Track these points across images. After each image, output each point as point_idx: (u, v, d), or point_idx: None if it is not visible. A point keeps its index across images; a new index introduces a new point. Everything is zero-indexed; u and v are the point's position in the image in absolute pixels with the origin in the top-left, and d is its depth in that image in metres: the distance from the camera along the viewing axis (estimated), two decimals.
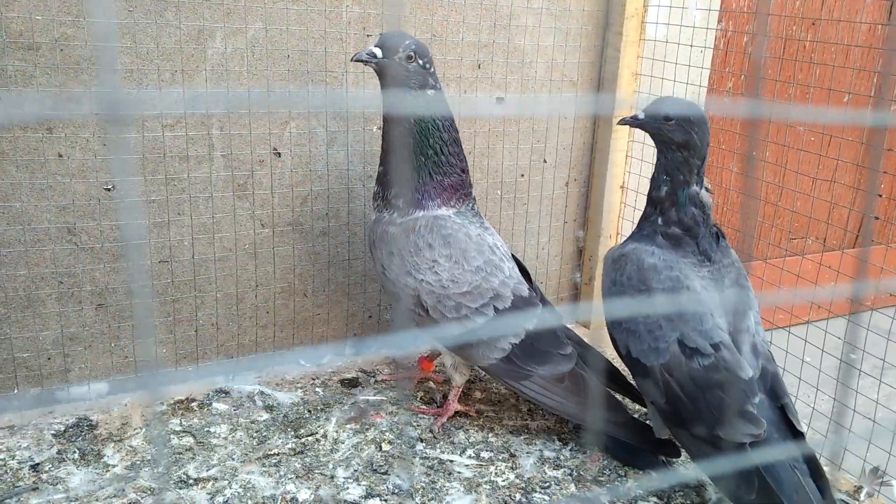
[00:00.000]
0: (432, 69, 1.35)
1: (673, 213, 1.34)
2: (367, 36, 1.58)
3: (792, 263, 1.90)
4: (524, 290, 1.43)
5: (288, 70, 1.51)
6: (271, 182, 1.55)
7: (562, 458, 1.41)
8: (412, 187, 1.37)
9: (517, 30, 1.77)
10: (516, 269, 1.47)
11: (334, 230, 1.65)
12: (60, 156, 1.36)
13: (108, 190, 1.40)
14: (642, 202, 1.94)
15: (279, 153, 1.55)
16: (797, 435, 1.21)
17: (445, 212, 1.40)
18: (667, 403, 1.25)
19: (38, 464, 1.25)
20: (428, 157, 1.36)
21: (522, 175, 1.90)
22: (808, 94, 2.34)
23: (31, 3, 1.28)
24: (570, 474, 1.36)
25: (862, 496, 1.38)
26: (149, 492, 1.20)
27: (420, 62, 1.32)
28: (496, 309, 1.38)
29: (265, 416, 1.45)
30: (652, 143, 1.89)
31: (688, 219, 1.33)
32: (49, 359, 1.43)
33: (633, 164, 1.96)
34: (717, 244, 1.35)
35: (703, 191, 1.35)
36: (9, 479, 1.22)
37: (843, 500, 1.36)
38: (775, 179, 2.39)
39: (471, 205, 1.45)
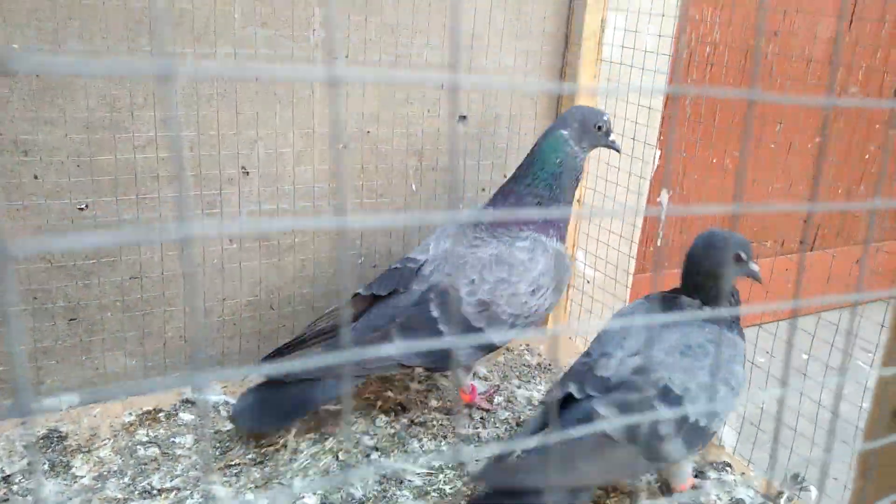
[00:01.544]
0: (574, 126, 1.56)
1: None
2: (334, 59, 1.64)
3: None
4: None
5: (256, 92, 1.57)
6: (239, 199, 1.62)
7: None
8: None
9: (479, 50, 1.84)
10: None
11: (300, 246, 1.72)
12: (36, 177, 1.41)
13: (82, 210, 1.46)
14: (597, 217, 2.04)
15: (247, 172, 1.62)
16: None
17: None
18: None
19: (8, 476, 1.33)
20: None
21: (484, 189, 1.99)
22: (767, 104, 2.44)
23: (7, 33, 1.32)
24: None
25: (783, 501, 1.51)
26: (115, 502, 1.28)
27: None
28: None
29: (229, 426, 1.54)
30: (607, 159, 1.99)
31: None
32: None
33: (588, 179, 2.05)
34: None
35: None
36: None
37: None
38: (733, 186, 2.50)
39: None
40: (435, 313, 1.45)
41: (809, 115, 2.76)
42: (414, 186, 1.87)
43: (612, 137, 1.59)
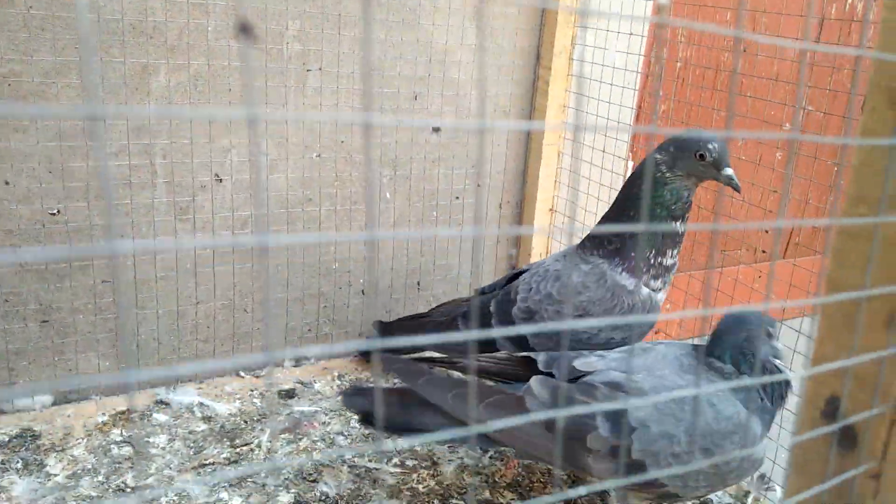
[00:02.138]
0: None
1: None
2: (307, 70, 1.69)
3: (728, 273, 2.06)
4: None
5: (229, 102, 1.61)
6: (213, 206, 1.65)
7: (480, 465, 1.53)
8: None
9: (452, 64, 1.89)
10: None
11: (274, 251, 1.75)
12: (7, 183, 1.44)
13: (53, 214, 1.49)
14: (568, 224, 2.08)
15: (220, 179, 1.65)
16: None
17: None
18: None
19: None
20: None
21: (457, 198, 2.03)
22: (732, 123, 2.50)
23: None
24: (486, 481, 1.48)
25: (749, 500, 1.53)
26: (88, 500, 1.29)
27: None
28: None
29: (203, 426, 1.55)
30: (576, 169, 2.04)
31: None
32: None
33: (561, 188, 2.10)
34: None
35: None
36: None
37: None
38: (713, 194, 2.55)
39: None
40: (492, 308, 1.55)
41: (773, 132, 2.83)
42: (388, 195, 1.90)
43: (727, 171, 1.34)
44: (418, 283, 2.02)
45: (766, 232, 2.79)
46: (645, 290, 1.46)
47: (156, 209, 1.59)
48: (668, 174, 1.38)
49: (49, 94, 1.43)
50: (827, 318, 0.54)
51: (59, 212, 1.49)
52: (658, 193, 1.40)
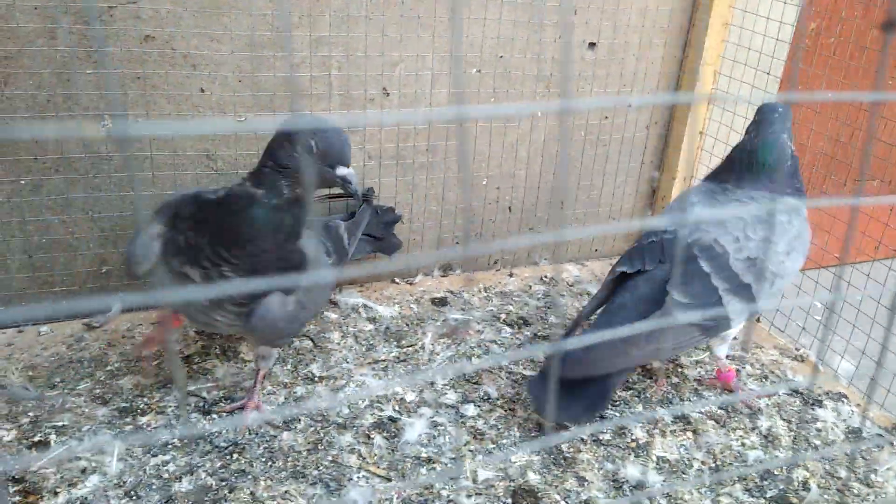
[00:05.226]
0: None
1: None
2: None
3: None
4: None
5: (401, 16, 1.63)
6: (380, 119, 1.70)
7: (631, 380, 1.58)
8: None
9: None
10: None
11: (434, 164, 1.81)
12: (202, 90, 1.53)
13: (241, 122, 1.58)
14: (720, 148, 2.04)
15: (388, 93, 1.69)
16: None
17: None
18: None
19: (188, 356, 1.49)
20: None
21: (606, 117, 2.01)
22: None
23: None
24: (637, 395, 1.54)
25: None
26: (281, 385, 1.43)
27: None
28: None
29: (369, 326, 1.66)
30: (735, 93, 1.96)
31: None
32: None
33: (714, 111, 2.04)
34: None
35: None
36: (166, 368, 1.46)
37: (879, 435, 1.51)
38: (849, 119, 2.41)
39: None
40: (706, 268, 1.46)
41: None
42: (539, 113, 1.91)
43: None
44: (562, 203, 2.04)
45: None
46: None
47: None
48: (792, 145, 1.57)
49: (241, 4, 1.49)
50: None
51: (245, 119, 1.58)
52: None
